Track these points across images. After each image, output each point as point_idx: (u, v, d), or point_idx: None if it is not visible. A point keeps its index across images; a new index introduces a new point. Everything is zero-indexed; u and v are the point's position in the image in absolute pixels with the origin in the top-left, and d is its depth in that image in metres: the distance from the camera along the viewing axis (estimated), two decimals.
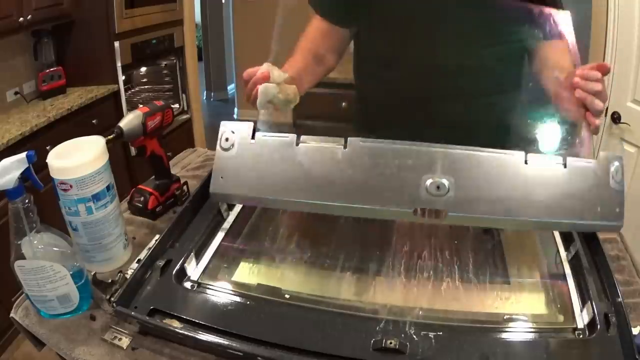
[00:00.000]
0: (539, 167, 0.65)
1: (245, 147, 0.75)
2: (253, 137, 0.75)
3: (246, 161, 0.74)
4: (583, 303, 0.67)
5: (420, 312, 0.66)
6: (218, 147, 0.76)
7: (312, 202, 0.71)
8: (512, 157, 0.66)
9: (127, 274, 0.71)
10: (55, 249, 0.67)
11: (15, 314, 0.71)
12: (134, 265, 0.73)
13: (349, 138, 0.71)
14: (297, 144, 0.73)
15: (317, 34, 1.09)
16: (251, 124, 0.76)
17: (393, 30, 1.03)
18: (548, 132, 0.79)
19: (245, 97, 0.85)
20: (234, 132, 0.75)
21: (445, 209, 0.62)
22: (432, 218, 0.63)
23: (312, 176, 0.71)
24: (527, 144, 0.75)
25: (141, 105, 0.90)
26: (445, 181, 0.65)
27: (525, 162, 0.65)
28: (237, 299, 0.68)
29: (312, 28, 1.09)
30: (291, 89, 0.85)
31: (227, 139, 0.75)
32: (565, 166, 0.65)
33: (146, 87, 2.98)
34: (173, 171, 1.03)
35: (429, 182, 0.64)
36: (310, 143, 0.73)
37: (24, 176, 0.64)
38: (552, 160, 0.65)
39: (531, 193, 0.64)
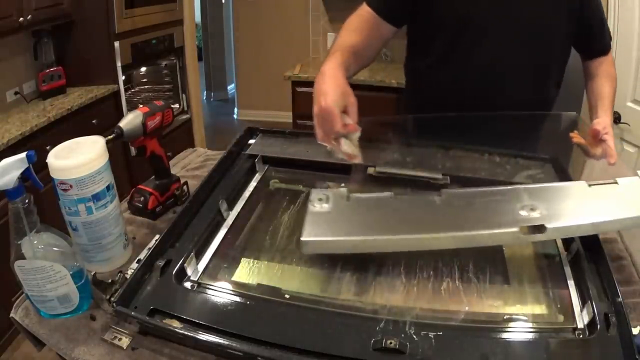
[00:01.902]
0: (599, 188, 0.78)
1: (339, 204, 0.79)
2: (348, 199, 0.80)
3: (341, 214, 0.77)
4: (583, 303, 0.67)
5: (420, 312, 0.66)
6: (310, 206, 0.78)
7: (418, 236, 0.72)
8: (577, 184, 0.80)
9: (127, 274, 0.71)
10: (55, 249, 0.67)
11: (15, 314, 0.71)
12: (134, 265, 0.73)
13: (442, 189, 0.80)
14: (393, 197, 0.80)
15: (364, 26, 1.05)
16: (345, 190, 0.81)
17: (451, 30, 1.05)
18: None
19: (320, 136, 0.82)
20: (329, 195, 0.80)
21: (544, 224, 0.69)
22: (536, 234, 0.69)
23: (411, 218, 0.77)
24: None
25: (141, 105, 0.90)
26: (537, 203, 0.73)
27: (589, 186, 0.78)
28: (237, 299, 0.68)
29: (360, 20, 1.06)
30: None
31: (320, 199, 0.79)
32: (617, 183, 0.77)
33: (146, 87, 2.98)
34: (173, 171, 1.03)
35: (523, 206, 0.74)
36: (406, 196, 0.81)
37: (24, 176, 0.64)
38: (606, 183, 0.78)
39: (603, 203, 0.75)
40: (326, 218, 0.76)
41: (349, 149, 0.81)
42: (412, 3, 1.05)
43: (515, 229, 0.70)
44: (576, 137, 0.99)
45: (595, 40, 1.14)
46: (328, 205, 0.78)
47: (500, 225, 0.71)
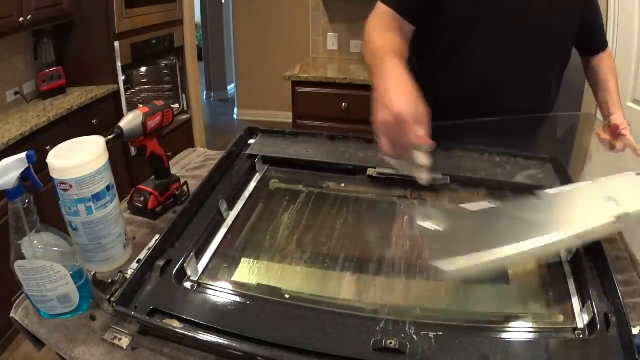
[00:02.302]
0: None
1: (452, 221, 0.75)
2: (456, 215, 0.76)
3: (461, 233, 0.74)
4: (583, 303, 0.67)
5: (420, 312, 0.66)
6: (423, 226, 0.74)
7: (546, 242, 0.68)
8: (627, 175, 0.79)
9: (127, 274, 0.71)
10: (55, 249, 0.67)
11: (15, 314, 0.71)
12: (134, 265, 0.73)
13: (536, 191, 0.78)
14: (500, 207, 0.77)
15: (394, 24, 1.00)
16: (448, 206, 0.80)
17: (458, 30, 1.04)
18: None
19: (387, 148, 0.73)
20: (433, 212, 0.76)
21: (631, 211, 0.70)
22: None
23: (531, 224, 0.72)
24: None
25: (141, 105, 0.90)
26: (613, 195, 0.73)
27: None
28: (237, 299, 0.68)
29: (386, 19, 1.01)
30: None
31: (428, 218, 0.75)
32: None
33: (146, 87, 2.98)
34: (173, 171, 1.03)
35: (605, 198, 0.73)
36: (510, 203, 0.79)
37: (24, 176, 0.64)
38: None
39: None
40: (448, 239, 0.71)
41: (425, 161, 0.71)
42: (426, 1, 1.03)
43: (612, 220, 0.69)
44: (602, 134, 1.08)
45: (596, 37, 1.17)
46: (440, 224, 0.73)
47: (598, 220, 0.70)
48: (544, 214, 0.75)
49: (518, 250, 0.66)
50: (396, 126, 0.69)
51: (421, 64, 1.15)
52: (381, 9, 1.02)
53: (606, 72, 1.18)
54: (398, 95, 0.72)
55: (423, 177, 0.73)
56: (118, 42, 2.41)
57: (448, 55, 1.08)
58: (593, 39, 1.16)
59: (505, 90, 1.08)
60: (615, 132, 1.04)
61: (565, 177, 0.95)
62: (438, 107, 1.09)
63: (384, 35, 0.96)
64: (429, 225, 0.73)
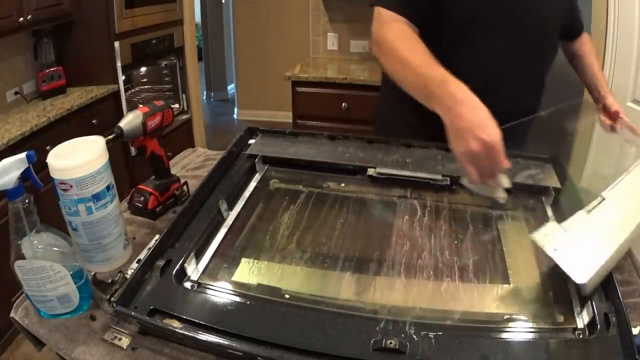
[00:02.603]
0: None
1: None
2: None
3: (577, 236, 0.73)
4: (583, 303, 0.67)
5: (420, 312, 0.66)
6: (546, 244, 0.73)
7: None
8: None
9: (127, 274, 0.71)
10: (55, 249, 0.67)
11: (15, 314, 0.71)
12: (134, 265, 0.73)
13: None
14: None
15: (412, 33, 0.93)
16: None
17: (456, 30, 1.01)
18: None
19: (475, 176, 0.73)
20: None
21: None
22: None
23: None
24: None
25: (141, 105, 0.90)
26: None
27: None
28: (237, 299, 0.68)
29: (403, 28, 0.93)
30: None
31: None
32: None
33: (146, 87, 2.98)
34: (173, 171, 1.03)
35: None
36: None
37: (24, 176, 0.64)
38: None
39: None
40: (572, 250, 0.70)
41: (507, 183, 0.74)
42: (428, 4, 0.99)
43: None
44: (606, 120, 1.15)
45: (576, 21, 1.19)
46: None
47: None
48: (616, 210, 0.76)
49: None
50: (491, 154, 0.70)
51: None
52: (388, 16, 0.94)
53: (590, 56, 1.23)
54: (485, 120, 0.71)
55: (503, 196, 0.77)
56: (118, 42, 2.41)
57: (446, 57, 1.07)
58: (574, 23, 1.17)
59: (505, 91, 1.08)
60: (615, 117, 1.13)
61: (565, 176, 0.95)
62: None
63: (415, 47, 0.88)
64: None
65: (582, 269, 0.66)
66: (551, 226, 0.73)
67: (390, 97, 1.24)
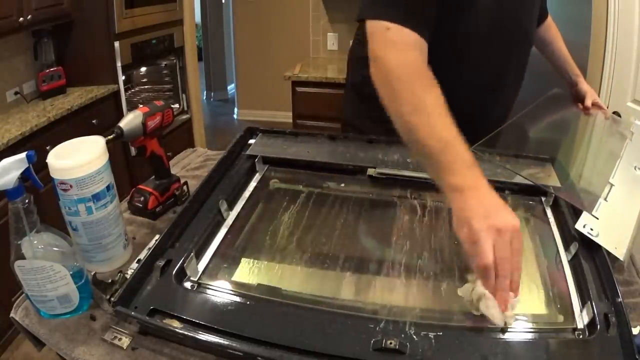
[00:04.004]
0: None
1: None
2: None
3: None
4: (583, 303, 0.67)
5: (420, 312, 0.66)
6: None
7: None
8: None
9: (127, 274, 0.71)
10: (55, 249, 0.67)
11: (15, 314, 0.71)
12: (134, 265, 0.73)
13: None
14: None
15: (425, 66, 0.77)
16: None
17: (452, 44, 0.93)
18: None
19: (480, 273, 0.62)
20: None
21: None
22: None
23: None
24: None
25: (141, 105, 0.90)
26: None
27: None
28: (237, 299, 0.68)
29: (418, 61, 0.77)
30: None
31: None
32: None
33: (146, 87, 2.98)
34: (173, 171, 1.03)
35: None
36: None
37: (24, 176, 0.64)
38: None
39: None
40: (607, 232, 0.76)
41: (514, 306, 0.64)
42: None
43: None
44: (587, 106, 1.20)
45: (542, 6, 1.17)
46: None
47: None
48: None
49: None
50: (501, 238, 0.60)
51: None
52: (397, 35, 0.76)
53: (557, 40, 1.25)
54: (506, 212, 0.62)
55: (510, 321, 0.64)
56: (118, 42, 2.41)
57: (441, 68, 1.01)
58: (541, 9, 1.16)
59: (498, 97, 1.07)
60: (596, 104, 1.19)
61: (565, 176, 0.95)
62: None
63: (431, 96, 0.72)
64: None
65: (619, 246, 0.76)
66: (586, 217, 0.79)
67: (354, 100, 1.20)
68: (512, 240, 0.60)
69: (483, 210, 0.62)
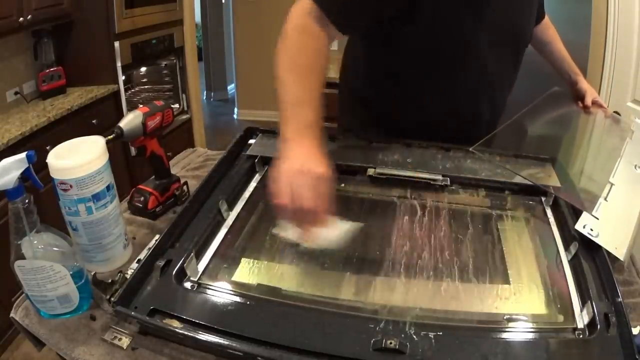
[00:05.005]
0: None
1: None
2: None
3: None
4: (583, 303, 0.67)
5: (420, 312, 0.66)
6: None
7: None
8: None
9: (127, 274, 0.71)
10: (55, 249, 0.67)
11: (15, 314, 0.71)
12: (134, 265, 0.73)
13: None
14: None
15: (320, 43, 0.82)
16: None
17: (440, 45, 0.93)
18: None
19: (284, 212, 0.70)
20: None
21: None
22: None
23: None
24: None
25: (141, 105, 0.90)
26: None
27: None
28: (237, 299, 0.68)
29: (310, 24, 0.81)
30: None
31: None
32: None
33: (146, 87, 2.98)
34: (173, 171, 1.03)
35: None
36: None
37: (24, 176, 0.64)
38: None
39: None
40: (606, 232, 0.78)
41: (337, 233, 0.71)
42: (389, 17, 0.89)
43: None
44: (588, 105, 1.20)
45: (540, 8, 1.17)
46: None
47: None
48: None
49: None
50: (311, 182, 0.68)
51: (396, 86, 1.03)
52: (305, 8, 0.81)
53: (556, 41, 1.25)
54: (308, 159, 0.70)
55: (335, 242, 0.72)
56: (118, 42, 2.41)
57: (433, 76, 0.99)
58: (539, 9, 1.15)
59: (493, 97, 1.07)
60: (596, 102, 1.20)
61: (565, 175, 0.95)
62: (423, 130, 1.03)
63: (308, 58, 0.79)
64: None
65: (620, 246, 0.76)
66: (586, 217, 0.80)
67: (348, 103, 1.21)
68: (316, 184, 0.68)
69: (294, 157, 0.70)
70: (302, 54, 0.80)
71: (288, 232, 0.71)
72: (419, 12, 0.88)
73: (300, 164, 0.69)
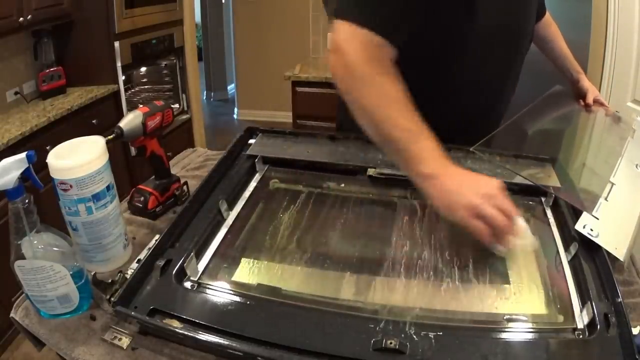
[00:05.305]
0: None
1: None
2: None
3: None
4: (583, 303, 0.67)
5: (420, 312, 0.66)
6: None
7: None
8: None
9: (127, 274, 0.71)
10: (55, 249, 0.67)
11: (15, 314, 0.71)
12: (134, 265, 0.73)
13: None
14: None
15: (387, 64, 0.78)
16: None
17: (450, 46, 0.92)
18: None
19: (489, 236, 0.70)
20: None
21: None
22: None
23: None
24: None
25: (141, 105, 0.90)
26: None
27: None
28: (237, 299, 0.68)
29: (378, 59, 0.77)
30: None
31: None
32: None
33: (146, 87, 2.98)
34: (173, 171, 1.03)
35: None
36: None
37: (24, 176, 0.64)
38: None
39: None
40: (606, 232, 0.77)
41: (525, 224, 0.72)
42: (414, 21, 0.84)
43: None
44: (589, 103, 1.20)
45: (541, 4, 1.17)
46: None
47: None
48: None
49: None
50: (496, 200, 0.67)
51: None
52: (357, 35, 0.75)
53: (558, 39, 1.24)
54: (476, 178, 0.70)
55: (533, 243, 0.74)
56: (118, 42, 2.41)
57: (432, 76, 0.97)
58: (539, 6, 1.15)
59: (499, 96, 1.07)
60: (598, 101, 1.20)
61: (565, 175, 0.95)
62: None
63: (393, 88, 0.74)
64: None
65: (620, 246, 0.75)
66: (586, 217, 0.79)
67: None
68: (500, 196, 0.68)
69: (467, 187, 0.68)
70: (389, 87, 0.75)
71: (502, 248, 0.72)
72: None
73: (474, 190, 0.68)
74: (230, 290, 0.71)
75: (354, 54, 0.75)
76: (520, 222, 0.72)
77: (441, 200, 0.71)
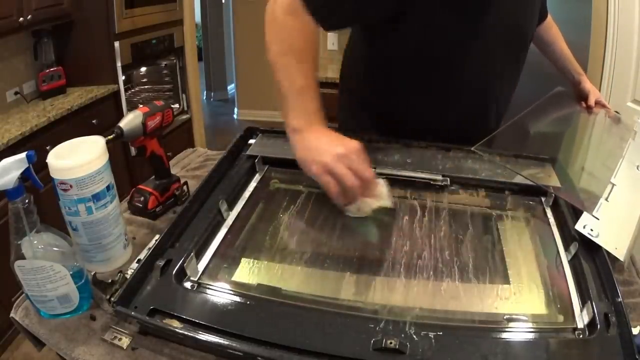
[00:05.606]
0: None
1: None
2: None
3: None
4: (583, 303, 0.67)
5: (420, 312, 0.66)
6: None
7: None
8: None
9: (127, 274, 0.71)
10: (55, 249, 0.67)
11: (15, 314, 0.71)
12: (134, 265, 0.73)
13: None
14: None
15: (310, 36, 0.87)
16: None
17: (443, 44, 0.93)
18: None
19: (339, 195, 0.75)
20: None
21: None
22: None
23: None
24: None
25: (141, 105, 0.90)
26: None
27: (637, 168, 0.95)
28: (237, 299, 0.68)
29: (302, 31, 0.85)
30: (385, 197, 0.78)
31: None
32: None
33: (146, 87, 2.98)
34: (173, 171, 1.03)
35: None
36: None
37: (24, 176, 0.64)
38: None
39: None
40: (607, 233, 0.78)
41: (386, 186, 0.75)
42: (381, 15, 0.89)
43: None
44: (591, 105, 1.21)
45: (543, 4, 1.16)
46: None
47: None
48: None
49: None
50: (352, 161, 0.72)
51: (395, 87, 1.04)
52: (296, 30, 0.83)
53: (559, 41, 1.25)
54: (333, 137, 0.73)
55: (389, 202, 0.78)
56: (118, 42, 2.41)
57: (432, 77, 0.99)
58: (541, 9, 1.15)
59: (499, 97, 1.08)
60: (599, 103, 1.21)
61: (565, 175, 0.95)
62: (423, 130, 1.03)
63: (300, 41, 0.81)
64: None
65: (620, 247, 0.76)
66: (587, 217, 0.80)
67: (348, 104, 1.21)
68: (357, 158, 0.72)
69: (324, 145, 0.72)
70: (296, 38, 0.81)
71: (352, 208, 0.76)
72: (411, 15, 0.88)
73: (329, 148, 0.72)
74: (230, 290, 0.71)
75: (280, 4, 0.84)
76: (381, 184, 0.74)
77: (300, 154, 0.75)
